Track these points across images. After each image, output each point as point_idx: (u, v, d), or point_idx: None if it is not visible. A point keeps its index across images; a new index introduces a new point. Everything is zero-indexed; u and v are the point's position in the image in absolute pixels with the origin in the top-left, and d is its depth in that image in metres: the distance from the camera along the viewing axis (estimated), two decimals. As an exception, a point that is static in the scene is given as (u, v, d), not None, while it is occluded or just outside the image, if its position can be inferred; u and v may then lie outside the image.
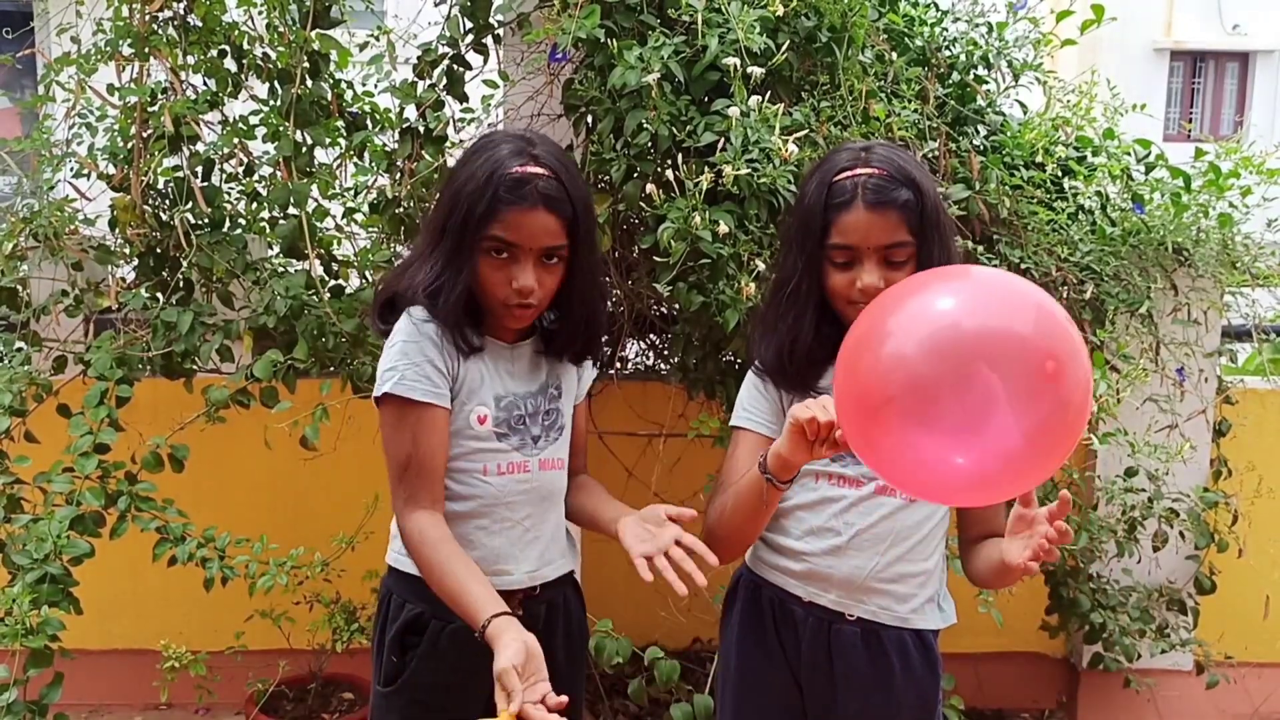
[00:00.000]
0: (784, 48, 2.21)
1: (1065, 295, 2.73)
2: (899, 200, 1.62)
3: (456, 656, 1.72)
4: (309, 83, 2.54)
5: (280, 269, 2.63)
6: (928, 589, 1.74)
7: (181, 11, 2.55)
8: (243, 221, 2.66)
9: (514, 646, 1.48)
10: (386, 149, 2.59)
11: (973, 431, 1.31)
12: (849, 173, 1.64)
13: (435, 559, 1.62)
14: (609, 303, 1.84)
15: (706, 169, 2.08)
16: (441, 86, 2.55)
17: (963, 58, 2.81)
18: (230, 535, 2.44)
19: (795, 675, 1.76)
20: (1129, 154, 2.97)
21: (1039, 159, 2.83)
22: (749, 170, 2.09)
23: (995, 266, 2.62)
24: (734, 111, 2.08)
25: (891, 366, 1.35)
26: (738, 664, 1.82)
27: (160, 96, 2.55)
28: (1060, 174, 2.85)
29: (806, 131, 2.15)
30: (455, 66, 2.56)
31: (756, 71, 2.10)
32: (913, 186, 1.63)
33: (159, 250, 2.60)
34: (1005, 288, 1.40)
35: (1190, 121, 15.71)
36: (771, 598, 1.77)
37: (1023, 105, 2.99)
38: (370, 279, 2.62)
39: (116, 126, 2.61)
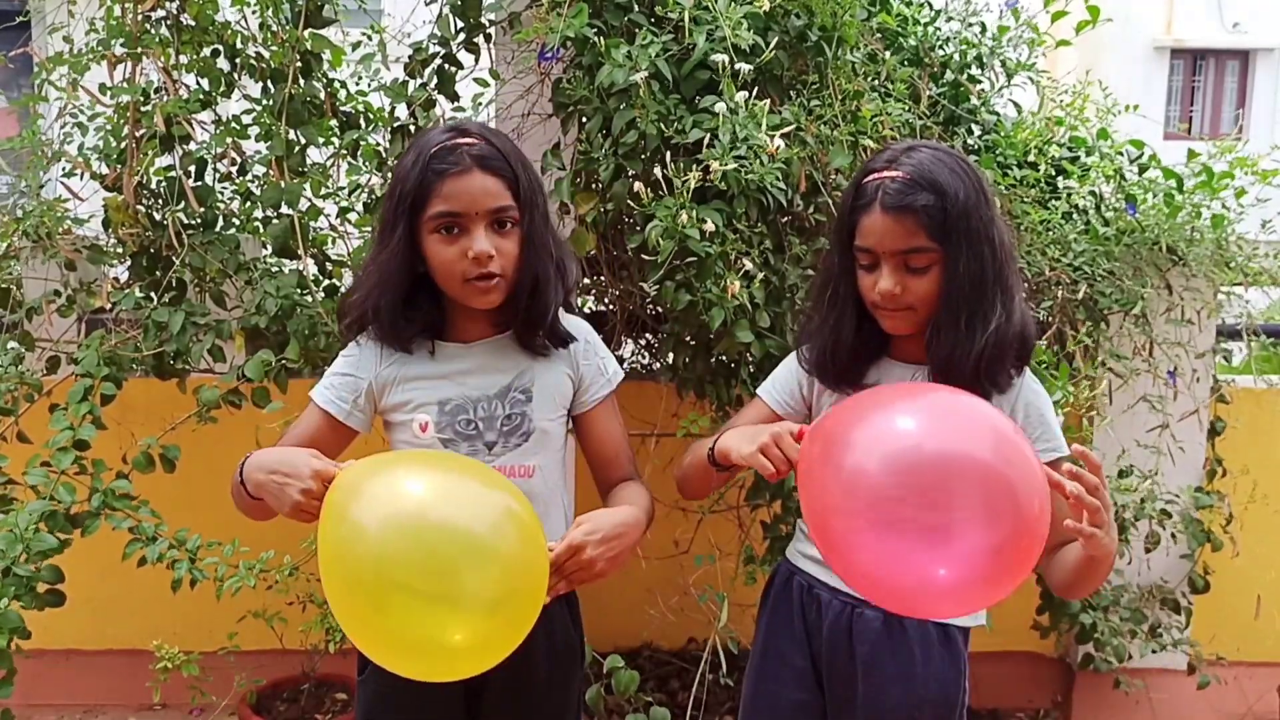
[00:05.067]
0: (773, 45, 2.20)
1: (1059, 295, 2.73)
2: (917, 205, 1.58)
3: None
4: (302, 82, 2.54)
5: (273, 269, 2.63)
6: None
7: (174, 11, 2.55)
8: (235, 221, 2.65)
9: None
10: (379, 148, 2.59)
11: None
12: (876, 175, 1.63)
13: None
14: (575, 283, 1.79)
15: (694, 167, 2.07)
16: (433, 85, 2.55)
17: (956, 57, 2.81)
18: (201, 538, 2.42)
19: (816, 664, 1.77)
20: (1122, 154, 2.97)
21: (1032, 159, 2.83)
22: (736, 166, 2.08)
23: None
24: (720, 108, 2.07)
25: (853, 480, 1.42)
26: (761, 647, 1.85)
27: (153, 96, 2.54)
28: (1054, 174, 2.85)
29: (795, 127, 2.14)
30: (446, 65, 2.56)
31: (745, 68, 2.09)
32: (936, 190, 1.59)
33: (151, 250, 2.60)
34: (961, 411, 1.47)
35: (1189, 121, 15.69)
36: (802, 584, 1.79)
37: (1017, 105, 2.99)
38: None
39: (109, 126, 2.60)
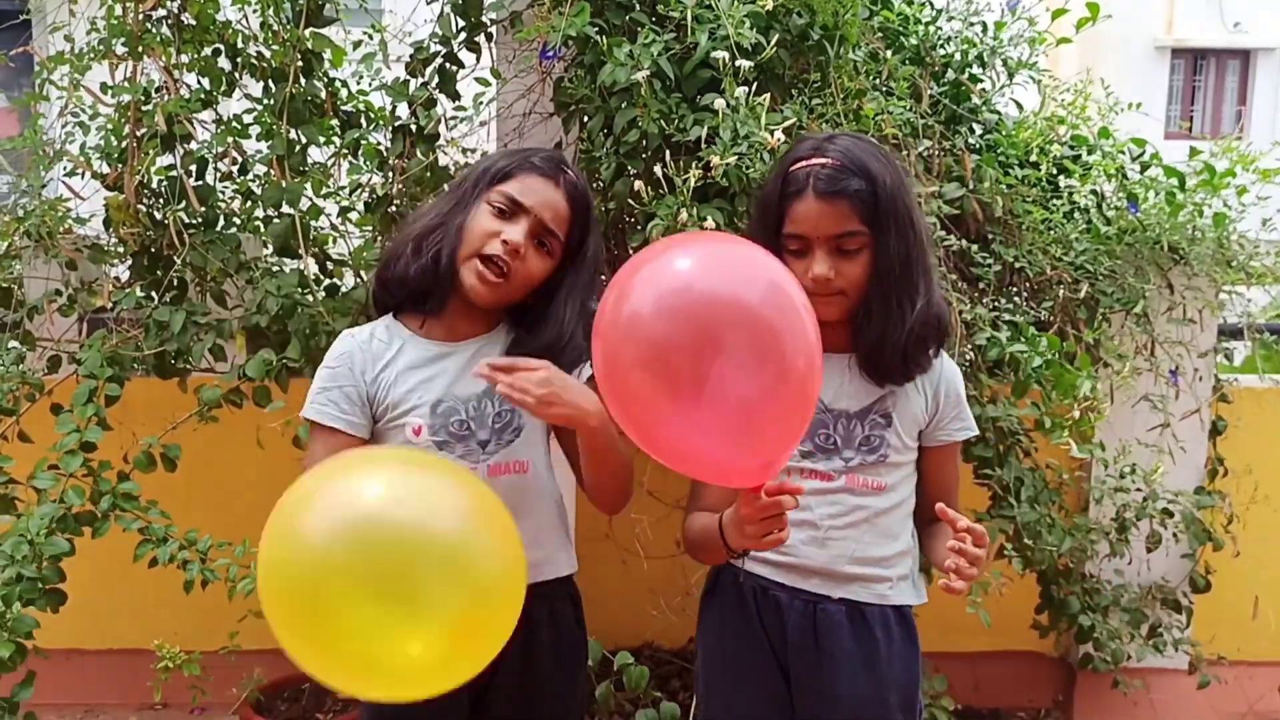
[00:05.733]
0: (775, 44, 2.20)
1: (1060, 294, 2.73)
2: (850, 189, 1.63)
3: None
4: (303, 81, 2.54)
5: (274, 268, 2.62)
6: (903, 567, 1.78)
7: (175, 10, 2.55)
8: (236, 220, 2.65)
9: None
10: (380, 147, 2.59)
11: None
12: (804, 162, 1.67)
13: None
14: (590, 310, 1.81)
15: (695, 164, 2.07)
16: (434, 85, 2.55)
17: (957, 56, 2.81)
18: (212, 538, 2.42)
19: (781, 662, 1.77)
20: (1124, 152, 2.97)
21: (1034, 158, 2.83)
22: (737, 163, 2.08)
23: (990, 265, 2.62)
24: (720, 104, 2.07)
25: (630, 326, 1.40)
26: (721, 656, 1.83)
27: (154, 95, 2.54)
28: (1055, 173, 2.84)
29: (796, 123, 2.14)
30: (448, 64, 2.56)
31: (745, 64, 2.09)
32: (866, 176, 1.64)
33: (153, 249, 2.60)
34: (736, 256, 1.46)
35: (1190, 120, 15.68)
36: (754, 587, 1.78)
37: (1018, 104, 2.99)
38: (364, 278, 2.62)
39: (110, 125, 2.60)
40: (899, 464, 1.76)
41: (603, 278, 1.76)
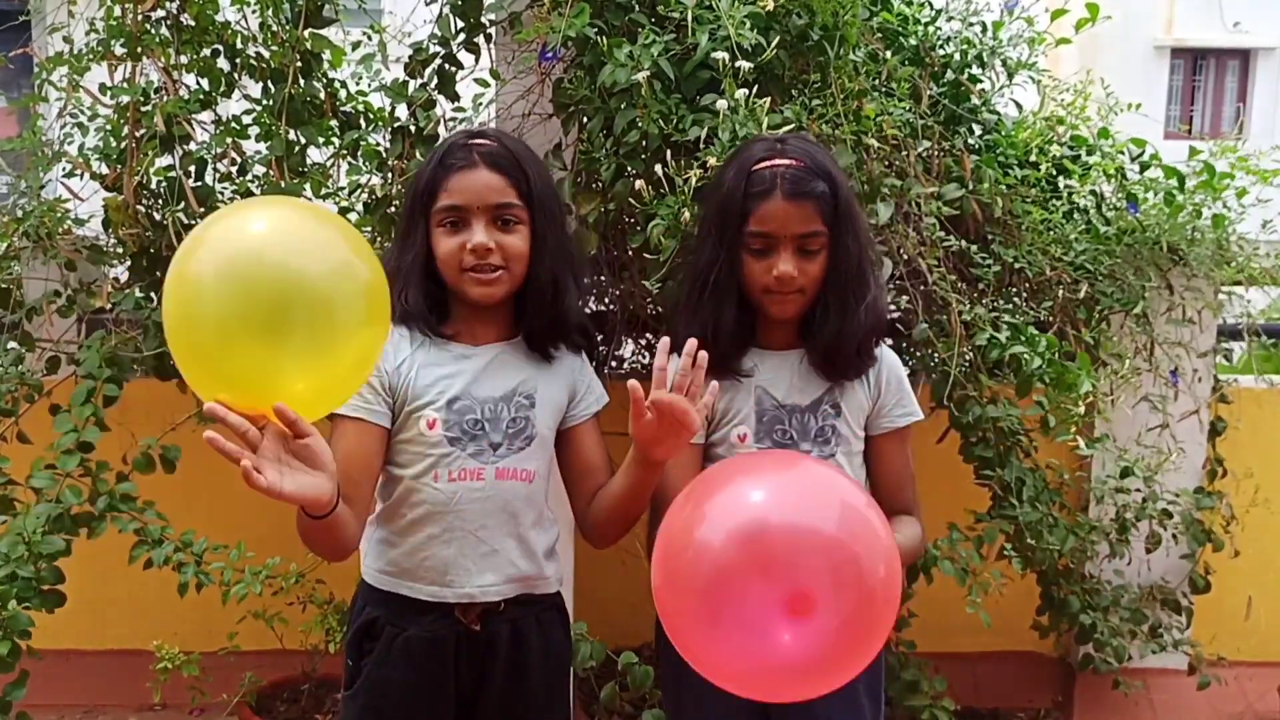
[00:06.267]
0: (775, 45, 2.20)
1: (1060, 295, 2.73)
2: (815, 191, 1.70)
3: (405, 665, 1.70)
4: (302, 82, 2.54)
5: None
6: None
7: (174, 11, 2.54)
8: (235, 221, 2.64)
9: None
10: (379, 148, 2.59)
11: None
12: (767, 163, 1.72)
13: None
14: (588, 294, 1.82)
15: (695, 164, 2.07)
16: (433, 85, 2.55)
17: (957, 56, 2.81)
18: (208, 540, 2.42)
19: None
20: (1123, 153, 2.97)
21: (1033, 158, 2.83)
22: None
23: (989, 266, 2.61)
24: (722, 105, 2.07)
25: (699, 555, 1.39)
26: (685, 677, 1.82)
27: (153, 96, 2.54)
28: (1055, 173, 2.84)
29: (796, 126, 2.14)
30: (447, 65, 2.55)
31: (745, 65, 2.09)
32: (828, 179, 1.72)
33: (152, 250, 2.59)
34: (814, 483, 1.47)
35: (1189, 121, 15.69)
36: None
37: (1018, 104, 2.98)
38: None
39: (109, 126, 2.60)
40: (851, 454, 1.82)
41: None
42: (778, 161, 1.72)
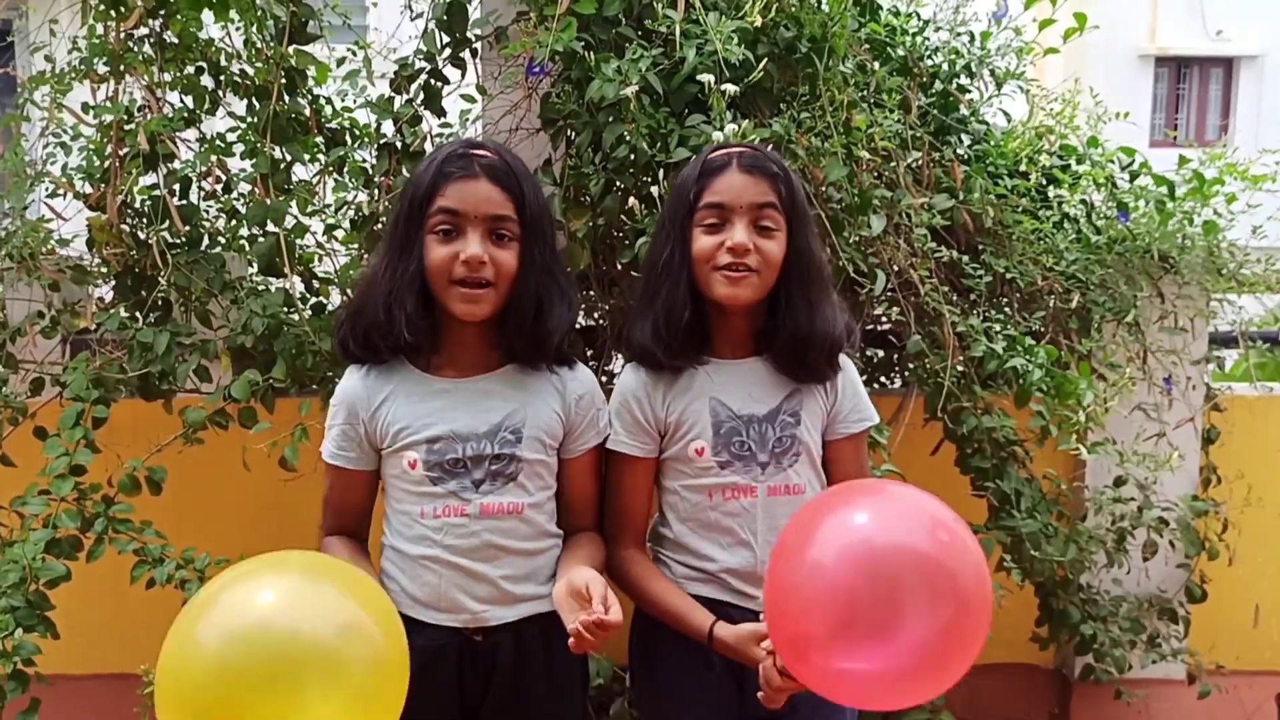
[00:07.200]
0: (763, 60, 2.19)
1: (1051, 304, 2.72)
2: (771, 170, 1.71)
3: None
4: (286, 99, 2.52)
5: (259, 287, 2.60)
6: None
7: (157, 29, 2.53)
8: (221, 239, 2.62)
9: None
10: (365, 164, 2.57)
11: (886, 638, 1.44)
12: (723, 151, 1.74)
13: None
14: (575, 310, 1.79)
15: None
16: (419, 101, 2.53)
17: (945, 67, 2.80)
18: (210, 556, 2.40)
19: (736, 677, 1.77)
20: (1113, 162, 2.97)
21: (1023, 168, 2.83)
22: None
23: (981, 277, 2.60)
24: (718, 137, 2.06)
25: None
26: (675, 677, 1.83)
27: (136, 114, 2.52)
28: (1044, 182, 2.84)
29: (785, 140, 2.13)
30: (433, 81, 2.54)
31: (731, 89, 2.09)
32: (783, 173, 1.73)
33: (136, 270, 2.57)
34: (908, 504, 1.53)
35: (1175, 128, 15.76)
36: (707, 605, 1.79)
37: (1006, 114, 2.98)
38: (350, 296, 2.59)
39: (92, 145, 2.57)
40: (813, 461, 1.80)
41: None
42: (734, 148, 1.75)
